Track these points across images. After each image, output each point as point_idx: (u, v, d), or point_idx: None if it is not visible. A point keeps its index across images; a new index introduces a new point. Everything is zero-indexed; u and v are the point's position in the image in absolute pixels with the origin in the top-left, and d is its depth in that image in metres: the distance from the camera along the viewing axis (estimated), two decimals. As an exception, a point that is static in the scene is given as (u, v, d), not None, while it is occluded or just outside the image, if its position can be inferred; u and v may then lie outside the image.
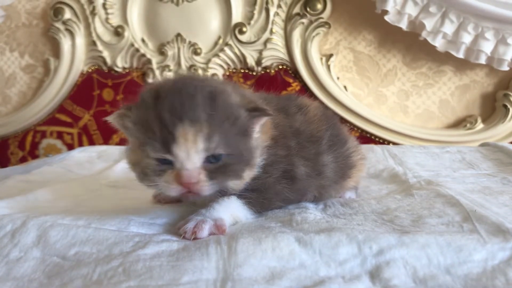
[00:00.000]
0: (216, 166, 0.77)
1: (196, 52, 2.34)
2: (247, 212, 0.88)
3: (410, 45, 2.22)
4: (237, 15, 2.29)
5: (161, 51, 2.36)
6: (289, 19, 2.25)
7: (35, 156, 2.51)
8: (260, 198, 0.89)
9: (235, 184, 0.82)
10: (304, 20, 2.22)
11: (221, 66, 2.35)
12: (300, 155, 0.93)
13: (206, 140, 0.74)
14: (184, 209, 0.96)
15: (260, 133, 0.85)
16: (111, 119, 0.81)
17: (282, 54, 2.29)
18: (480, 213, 0.85)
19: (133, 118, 0.79)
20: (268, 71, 2.31)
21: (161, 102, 0.75)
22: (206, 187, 0.78)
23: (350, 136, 1.14)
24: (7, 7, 2.48)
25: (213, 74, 2.33)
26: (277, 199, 0.93)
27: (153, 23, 2.37)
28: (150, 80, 2.38)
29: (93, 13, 2.38)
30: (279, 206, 0.96)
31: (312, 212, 0.92)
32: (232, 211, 0.86)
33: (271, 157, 0.88)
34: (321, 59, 2.26)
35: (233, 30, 2.29)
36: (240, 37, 2.28)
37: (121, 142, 2.38)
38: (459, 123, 2.29)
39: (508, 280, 0.63)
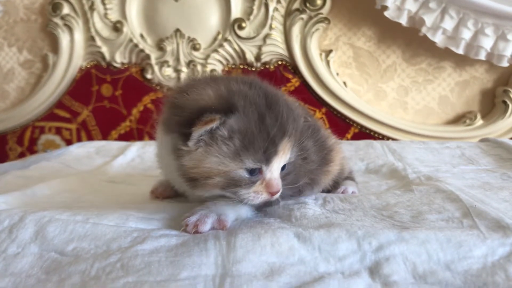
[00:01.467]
0: (283, 174, 0.84)
1: (195, 48, 2.33)
2: (249, 208, 0.88)
3: (410, 41, 2.22)
4: (236, 11, 2.29)
5: (160, 47, 2.36)
6: (289, 15, 2.24)
7: (33, 152, 2.51)
8: None
9: None
10: (304, 16, 2.21)
11: (220, 61, 2.34)
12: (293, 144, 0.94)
13: (291, 152, 0.82)
14: (182, 204, 0.95)
15: None
16: (207, 126, 0.74)
17: (281, 49, 2.28)
18: (480, 209, 0.85)
19: (233, 127, 0.75)
20: (267, 66, 2.30)
21: (269, 116, 0.76)
22: (279, 194, 0.83)
23: (322, 126, 1.18)
24: (6, 2, 2.47)
25: (212, 70, 2.32)
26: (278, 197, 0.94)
27: (152, 18, 2.36)
28: (149, 76, 2.37)
29: (92, 8, 2.37)
30: (278, 203, 0.96)
31: (311, 208, 0.92)
32: (236, 206, 0.86)
33: None
34: (321, 54, 2.25)
35: (232, 25, 2.28)
36: (239, 32, 2.28)
37: (120, 137, 2.40)
38: (458, 119, 2.29)
39: (508, 276, 0.63)
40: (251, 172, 0.78)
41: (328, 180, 1.13)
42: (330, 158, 1.10)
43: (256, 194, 0.79)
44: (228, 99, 0.76)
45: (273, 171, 0.79)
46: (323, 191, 1.15)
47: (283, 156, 0.79)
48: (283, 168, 0.83)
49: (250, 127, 0.75)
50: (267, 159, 0.77)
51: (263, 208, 0.91)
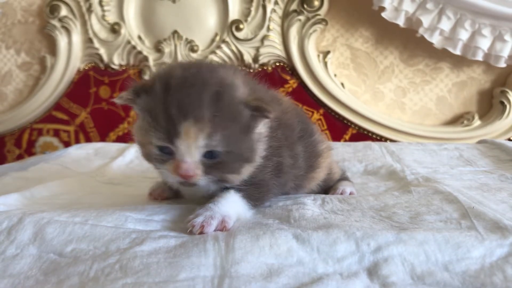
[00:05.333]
0: (213, 162, 0.80)
1: (193, 49, 2.34)
2: (246, 206, 0.88)
3: (407, 42, 2.22)
4: (234, 12, 2.29)
5: (158, 48, 2.36)
6: (286, 16, 2.24)
7: (31, 154, 2.51)
8: (255, 192, 0.89)
9: (233, 177, 0.85)
10: (301, 17, 2.21)
11: (218, 63, 2.34)
12: (284, 144, 0.93)
13: (208, 138, 0.76)
14: (180, 205, 0.95)
15: (263, 128, 0.87)
16: (118, 101, 0.82)
17: (279, 51, 2.29)
18: (478, 210, 0.85)
19: (142, 105, 0.81)
20: (265, 68, 2.31)
21: (170, 96, 0.77)
22: (201, 180, 0.81)
23: (318, 131, 1.16)
24: (3, 4, 2.47)
25: (210, 71, 2.32)
26: (269, 194, 0.94)
27: (150, 20, 2.36)
28: (147, 77, 2.37)
29: (90, 10, 2.37)
30: (268, 200, 0.96)
31: (310, 208, 0.91)
32: (236, 207, 0.86)
33: (267, 150, 0.88)
34: (318, 56, 2.25)
35: (230, 27, 2.28)
36: (237, 34, 2.28)
37: (118, 139, 2.40)
38: (456, 120, 2.29)
39: (506, 277, 0.63)
40: (161, 149, 0.80)
41: (313, 185, 1.13)
42: (317, 165, 1.09)
43: (170, 174, 0.81)
44: (149, 81, 0.83)
45: (183, 153, 0.77)
46: (319, 193, 1.15)
47: (192, 141, 0.76)
48: (211, 155, 0.79)
49: (153, 106, 0.78)
50: (171, 139, 0.77)
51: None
